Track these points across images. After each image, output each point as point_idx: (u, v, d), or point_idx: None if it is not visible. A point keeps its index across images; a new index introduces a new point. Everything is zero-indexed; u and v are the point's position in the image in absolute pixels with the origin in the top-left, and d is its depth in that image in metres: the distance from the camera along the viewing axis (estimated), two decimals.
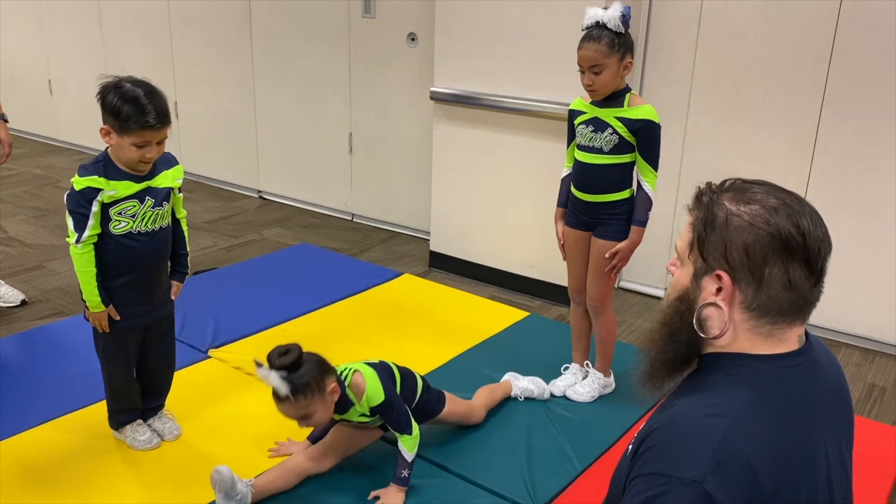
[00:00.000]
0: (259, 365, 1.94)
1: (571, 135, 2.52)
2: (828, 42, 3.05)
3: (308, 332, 3.06)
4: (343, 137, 4.67)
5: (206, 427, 2.44)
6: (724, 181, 1.13)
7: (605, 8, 2.29)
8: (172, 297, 2.31)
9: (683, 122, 3.48)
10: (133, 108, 1.96)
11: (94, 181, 2.02)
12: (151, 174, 2.11)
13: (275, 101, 4.91)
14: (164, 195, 2.15)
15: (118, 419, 2.32)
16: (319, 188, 4.91)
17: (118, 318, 2.15)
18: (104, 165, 2.05)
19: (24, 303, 3.39)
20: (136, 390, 2.32)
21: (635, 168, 2.43)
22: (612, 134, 2.35)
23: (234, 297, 3.37)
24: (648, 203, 2.40)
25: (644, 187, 2.39)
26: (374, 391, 2.07)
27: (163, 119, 2.01)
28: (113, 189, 2.03)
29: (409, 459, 2.09)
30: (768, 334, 1.07)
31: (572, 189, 2.52)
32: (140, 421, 2.33)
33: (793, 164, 3.25)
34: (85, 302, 2.12)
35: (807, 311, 1.08)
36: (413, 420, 2.12)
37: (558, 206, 2.61)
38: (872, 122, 3.05)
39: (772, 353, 1.07)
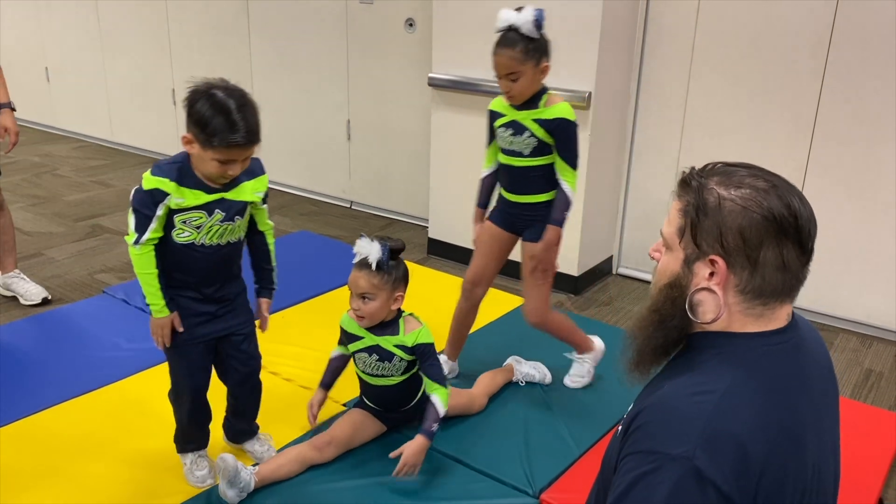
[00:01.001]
0: (363, 235, 2.08)
1: (492, 135, 2.43)
2: (827, 26, 3.04)
3: (307, 319, 3.07)
4: (341, 125, 4.66)
5: None
6: (707, 165, 1.12)
7: (518, 10, 2.18)
8: (265, 315, 2.15)
9: (682, 106, 3.47)
10: (222, 121, 1.76)
11: (164, 184, 1.84)
12: (229, 185, 1.93)
13: (272, 87, 4.89)
14: (238, 209, 1.96)
15: (181, 444, 2.18)
16: (318, 175, 4.90)
17: (181, 329, 1.98)
18: (179, 169, 1.87)
19: (45, 300, 3.29)
20: (205, 421, 2.17)
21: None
22: (530, 137, 2.28)
23: None
24: (567, 203, 2.32)
25: (563, 186, 2.32)
26: (427, 332, 2.16)
27: (252, 137, 1.81)
28: (181, 196, 1.87)
29: (442, 414, 2.11)
30: (759, 315, 1.08)
31: (500, 189, 2.46)
32: (203, 453, 2.16)
33: (792, 147, 3.24)
34: (149, 308, 1.96)
35: (796, 291, 1.09)
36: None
37: (477, 205, 2.55)
38: (871, 105, 3.04)
39: (759, 331, 1.08)
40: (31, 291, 3.29)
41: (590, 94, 3.23)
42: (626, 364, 1.19)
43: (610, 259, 3.86)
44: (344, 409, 2.47)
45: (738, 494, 0.97)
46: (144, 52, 5.50)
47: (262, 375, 2.65)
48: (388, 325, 2.14)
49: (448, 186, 3.91)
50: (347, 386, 2.56)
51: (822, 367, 1.17)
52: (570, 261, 3.56)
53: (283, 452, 2.17)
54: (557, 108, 2.26)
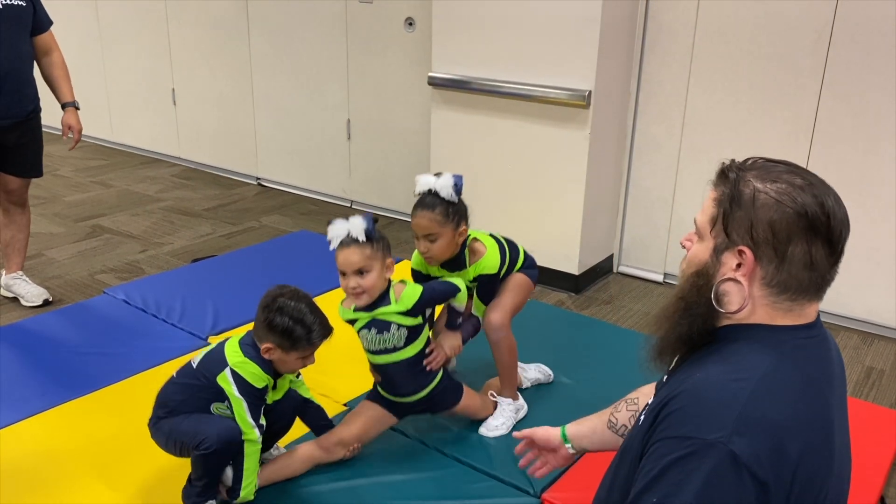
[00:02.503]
0: (332, 221, 2.05)
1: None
2: (827, 23, 3.03)
3: None
4: (341, 124, 4.66)
5: None
6: (748, 159, 1.13)
7: (437, 175, 2.23)
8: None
9: (682, 104, 3.47)
10: (301, 329, 1.96)
11: (268, 380, 2.00)
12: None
13: (272, 86, 4.89)
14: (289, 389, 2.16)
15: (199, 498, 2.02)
16: (318, 175, 4.90)
17: None
18: (268, 365, 2.01)
19: (46, 302, 3.30)
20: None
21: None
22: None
23: (233, 284, 3.37)
24: (478, 326, 2.38)
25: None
26: (414, 288, 2.14)
27: (326, 331, 2.02)
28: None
29: (459, 309, 2.28)
30: (787, 310, 1.08)
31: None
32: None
33: (792, 145, 3.24)
34: (235, 491, 1.98)
35: (823, 290, 1.10)
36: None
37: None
38: (872, 103, 3.04)
39: (790, 325, 1.09)
40: (31, 293, 3.29)
41: (589, 92, 3.23)
42: (650, 351, 1.20)
43: (610, 257, 3.86)
44: (346, 408, 2.46)
45: (774, 482, 0.97)
46: (144, 52, 5.50)
47: None
48: (381, 298, 2.12)
49: None
50: (348, 386, 2.56)
51: (840, 365, 1.18)
52: (570, 259, 3.56)
53: (289, 452, 2.17)
54: (481, 265, 2.31)
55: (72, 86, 3.29)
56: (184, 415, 1.99)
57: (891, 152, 3.05)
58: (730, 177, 1.10)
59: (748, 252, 1.06)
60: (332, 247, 2.06)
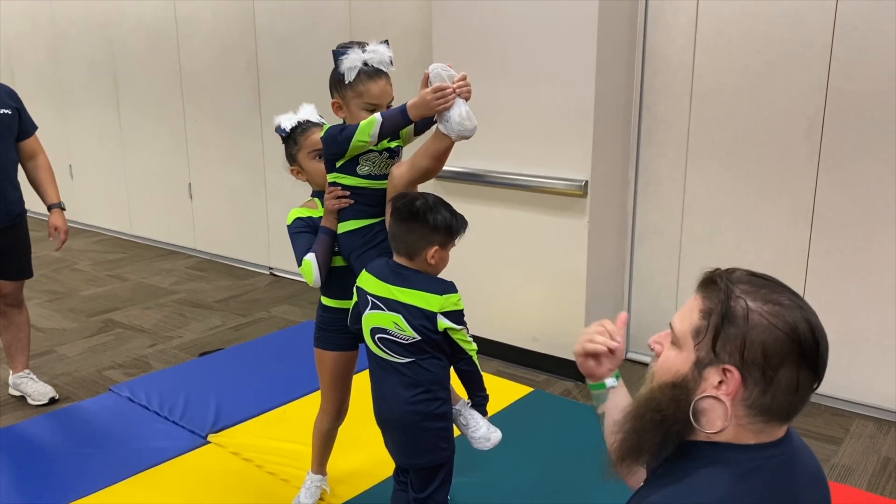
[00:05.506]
0: (344, 52, 1.99)
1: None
2: (818, 111, 3.07)
3: (311, 413, 3.04)
4: None
5: None
6: (733, 270, 1.10)
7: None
8: None
9: (681, 191, 3.49)
10: (454, 218, 2.12)
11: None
12: None
13: (284, 180, 5.01)
14: None
15: None
16: None
17: None
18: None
19: (52, 400, 3.31)
20: None
21: None
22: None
23: (237, 379, 3.38)
24: None
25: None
26: None
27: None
28: None
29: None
30: (759, 430, 1.06)
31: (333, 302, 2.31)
32: None
33: (792, 231, 3.23)
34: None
35: (799, 413, 1.07)
36: None
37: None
38: (869, 187, 3.04)
39: (753, 444, 1.06)
40: (38, 391, 3.32)
41: (586, 182, 3.27)
42: (614, 456, 1.13)
43: None
44: None
45: None
46: (163, 149, 5.69)
47: (259, 474, 2.64)
48: None
49: (453, 274, 3.91)
50: (345, 483, 2.52)
51: (814, 479, 1.14)
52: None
53: None
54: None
55: (57, 187, 3.34)
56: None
57: (892, 234, 3.03)
58: (720, 286, 1.06)
59: (735, 372, 1.03)
60: (348, 78, 1.97)
